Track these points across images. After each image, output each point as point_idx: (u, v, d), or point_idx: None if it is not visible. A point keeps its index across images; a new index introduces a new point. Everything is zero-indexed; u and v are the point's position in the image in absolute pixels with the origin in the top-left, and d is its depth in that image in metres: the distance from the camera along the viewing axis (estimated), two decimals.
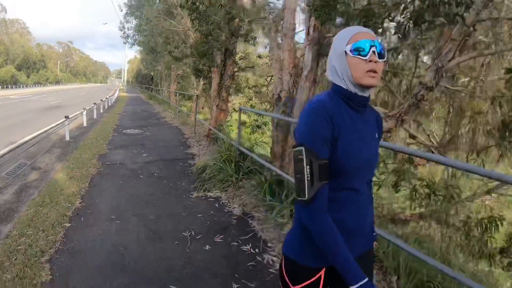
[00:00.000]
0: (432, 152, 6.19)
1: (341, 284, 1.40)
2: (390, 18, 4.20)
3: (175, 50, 14.88)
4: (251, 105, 12.35)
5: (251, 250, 3.64)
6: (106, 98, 23.86)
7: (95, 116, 15.97)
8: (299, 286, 1.42)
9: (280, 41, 6.55)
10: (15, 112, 17.66)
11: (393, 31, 4.23)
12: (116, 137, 10.65)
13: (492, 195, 6.22)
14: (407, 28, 3.84)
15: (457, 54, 4.37)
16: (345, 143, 1.32)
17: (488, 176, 2.26)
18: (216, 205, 4.90)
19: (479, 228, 5.70)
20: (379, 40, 1.35)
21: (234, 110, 12.62)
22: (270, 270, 3.28)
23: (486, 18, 3.93)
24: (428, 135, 7.22)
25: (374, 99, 7.09)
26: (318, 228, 1.30)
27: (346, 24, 4.48)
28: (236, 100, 14.48)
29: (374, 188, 5.07)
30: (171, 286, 2.92)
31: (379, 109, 5.56)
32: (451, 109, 6.71)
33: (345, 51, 1.34)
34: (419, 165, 6.41)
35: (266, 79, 12.05)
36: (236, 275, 3.14)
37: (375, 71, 1.31)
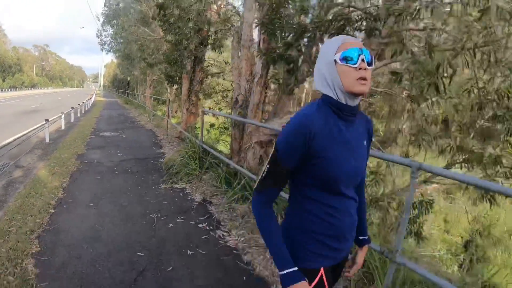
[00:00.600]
0: (379, 149, 7.01)
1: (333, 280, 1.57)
2: (320, 32, 5.00)
3: (149, 57, 15.48)
4: (219, 108, 13.07)
5: (206, 227, 4.37)
6: (83, 102, 24.10)
7: (72, 120, 16.34)
8: None
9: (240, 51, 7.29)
10: None
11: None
12: (94, 139, 11.18)
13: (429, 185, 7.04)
14: None
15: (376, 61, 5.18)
16: (332, 153, 1.36)
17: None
18: (181, 194, 5.61)
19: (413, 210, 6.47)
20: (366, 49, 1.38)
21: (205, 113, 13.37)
22: (220, 241, 4.01)
23: (399, 30, 4.70)
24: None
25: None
26: (256, 215, 1.44)
27: (285, 38, 5.29)
28: (209, 104, 15.14)
29: None
30: (138, 253, 3.62)
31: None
32: (390, 109, 7.55)
33: (335, 60, 1.36)
34: None
35: (231, 84, 12.77)
36: (191, 245, 3.86)
37: (365, 78, 1.33)
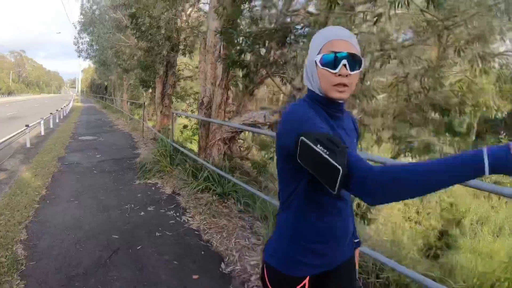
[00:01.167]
0: None
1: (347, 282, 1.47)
2: (268, 40, 5.69)
3: (124, 63, 15.91)
4: (191, 110, 13.67)
5: (174, 214, 4.95)
6: (62, 108, 24.25)
7: (51, 126, 16.63)
8: None
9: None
10: None
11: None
12: (73, 143, 11.61)
13: None
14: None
15: None
16: None
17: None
18: (153, 188, 6.18)
19: None
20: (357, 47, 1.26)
21: (178, 116, 13.97)
22: (184, 225, 4.59)
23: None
24: None
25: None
26: (388, 179, 0.95)
27: (240, 45, 5.93)
28: (183, 107, 15.67)
29: None
30: (113, 236, 4.18)
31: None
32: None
33: (315, 61, 1.25)
34: None
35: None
36: (159, 228, 4.44)
37: (344, 85, 1.22)
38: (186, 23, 10.78)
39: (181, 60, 14.30)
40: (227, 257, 3.79)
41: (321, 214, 1.31)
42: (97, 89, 55.52)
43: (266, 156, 7.71)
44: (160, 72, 11.86)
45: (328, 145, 0.98)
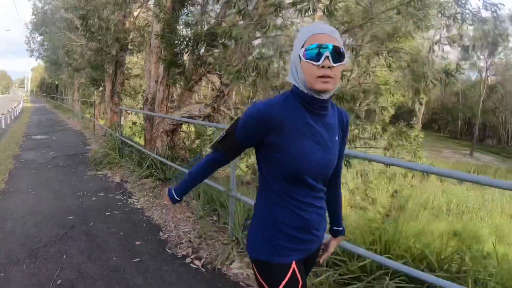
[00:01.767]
0: None
1: (307, 269, 1.56)
2: (201, 42, 6.50)
3: (75, 62, 16.08)
4: (140, 107, 14.22)
5: (121, 197, 5.70)
6: (12, 109, 23.79)
7: (3, 127, 16.60)
8: (281, 286, 1.37)
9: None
10: None
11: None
12: (26, 142, 11.90)
13: None
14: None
15: None
16: (296, 145, 1.31)
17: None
18: (103, 178, 6.87)
19: None
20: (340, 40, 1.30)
21: (128, 112, 14.51)
22: (130, 206, 5.35)
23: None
24: None
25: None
26: (200, 163, 1.59)
27: (177, 46, 6.70)
28: (132, 104, 16.09)
29: None
30: (68, 217, 4.87)
31: None
32: None
33: (299, 55, 1.28)
34: None
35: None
36: (108, 209, 5.17)
37: (328, 76, 1.24)
38: (133, 25, 11.30)
39: (131, 59, 14.73)
40: (165, 228, 4.58)
41: (284, 201, 1.39)
42: (48, 89, 53.76)
43: (200, 144, 8.54)
44: (109, 71, 12.29)
45: (225, 141, 1.45)
